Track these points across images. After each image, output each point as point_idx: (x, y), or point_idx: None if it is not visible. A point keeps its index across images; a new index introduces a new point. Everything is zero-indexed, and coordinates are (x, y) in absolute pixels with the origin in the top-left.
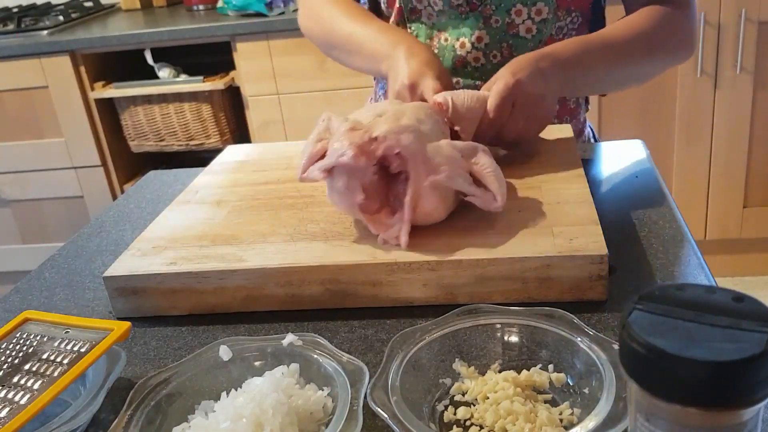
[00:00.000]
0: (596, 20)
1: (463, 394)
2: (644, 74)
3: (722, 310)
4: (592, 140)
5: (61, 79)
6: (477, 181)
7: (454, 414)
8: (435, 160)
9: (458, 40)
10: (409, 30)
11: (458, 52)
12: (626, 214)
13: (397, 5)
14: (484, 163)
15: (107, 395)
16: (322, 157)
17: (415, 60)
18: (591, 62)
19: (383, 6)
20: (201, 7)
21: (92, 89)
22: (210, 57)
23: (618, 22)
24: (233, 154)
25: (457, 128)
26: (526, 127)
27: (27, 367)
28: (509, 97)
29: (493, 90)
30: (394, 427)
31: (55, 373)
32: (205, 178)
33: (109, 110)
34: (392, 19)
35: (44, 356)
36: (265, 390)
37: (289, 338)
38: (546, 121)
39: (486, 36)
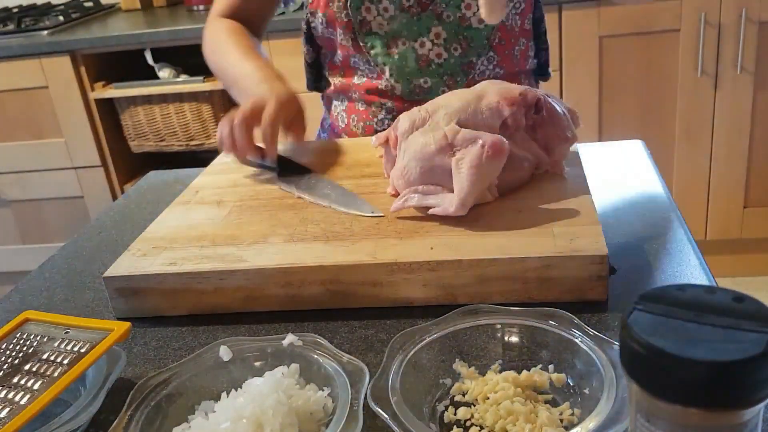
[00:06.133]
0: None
1: (464, 395)
2: None
3: (723, 310)
4: None
5: (61, 79)
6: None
7: (455, 414)
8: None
9: (416, 41)
10: (362, 45)
11: (420, 52)
12: (626, 214)
13: (344, 20)
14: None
15: (107, 395)
16: None
17: (263, 85)
18: None
19: (320, 29)
20: (201, 7)
21: (92, 89)
22: None
23: None
24: None
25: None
26: None
27: (27, 367)
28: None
29: None
30: (395, 428)
31: (55, 374)
32: (205, 179)
33: (109, 110)
34: (339, 37)
35: (44, 356)
36: (265, 390)
37: (290, 338)
38: None
39: (443, 31)
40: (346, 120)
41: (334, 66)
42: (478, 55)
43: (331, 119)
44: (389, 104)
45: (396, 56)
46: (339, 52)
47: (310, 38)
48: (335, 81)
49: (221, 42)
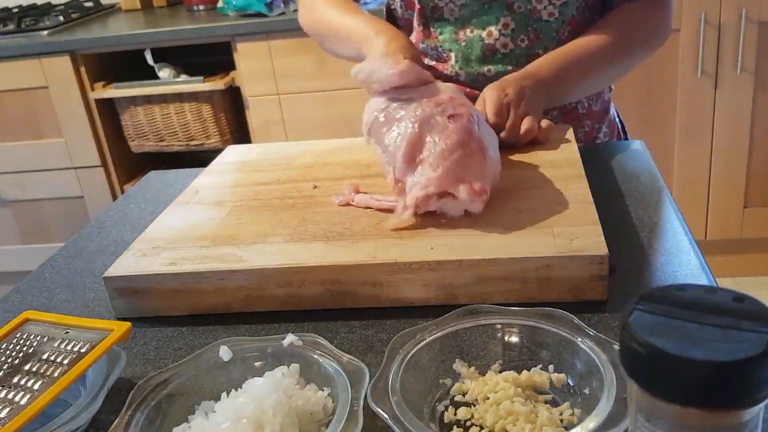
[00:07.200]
0: None
1: (464, 395)
2: (621, 73)
3: (723, 310)
4: (618, 124)
5: (61, 79)
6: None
7: (455, 414)
8: None
9: (485, 29)
10: (432, 30)
11: (486, 41)
12: (626, 214)
13: (417, 6)
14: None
15: (107, 395)
16: None
17: (393, 43)
18: (568, 76)
19: (399, 11)
20: (201, 7)
21: (92, 89)
22: (210, 57)
23: (596, 29)
24: (233, 154)
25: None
26: (529, 122)
27: (27, 367)
28: (503, 99)
29: (487, 99)
30: (395, 428)
31: (56, 374)
32: (205, 179)
33: (110, 110)
34: (414, 21)
35: (44, 357)
36: (265, 390)
37: (290, 338)
38: (538, 115)
39: (512, 22)
40: None
41: None
42: (544, 47)
43: None
44: None
45: (463, 43)
46: (414, 34)
47: (392, 21)
48: None
49: (321, 4)
